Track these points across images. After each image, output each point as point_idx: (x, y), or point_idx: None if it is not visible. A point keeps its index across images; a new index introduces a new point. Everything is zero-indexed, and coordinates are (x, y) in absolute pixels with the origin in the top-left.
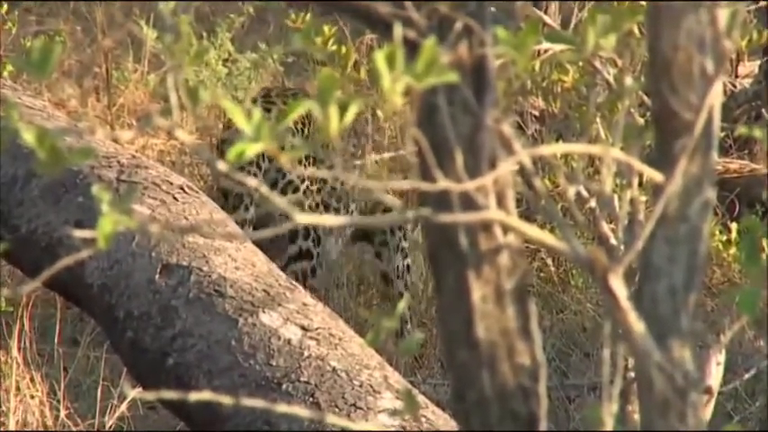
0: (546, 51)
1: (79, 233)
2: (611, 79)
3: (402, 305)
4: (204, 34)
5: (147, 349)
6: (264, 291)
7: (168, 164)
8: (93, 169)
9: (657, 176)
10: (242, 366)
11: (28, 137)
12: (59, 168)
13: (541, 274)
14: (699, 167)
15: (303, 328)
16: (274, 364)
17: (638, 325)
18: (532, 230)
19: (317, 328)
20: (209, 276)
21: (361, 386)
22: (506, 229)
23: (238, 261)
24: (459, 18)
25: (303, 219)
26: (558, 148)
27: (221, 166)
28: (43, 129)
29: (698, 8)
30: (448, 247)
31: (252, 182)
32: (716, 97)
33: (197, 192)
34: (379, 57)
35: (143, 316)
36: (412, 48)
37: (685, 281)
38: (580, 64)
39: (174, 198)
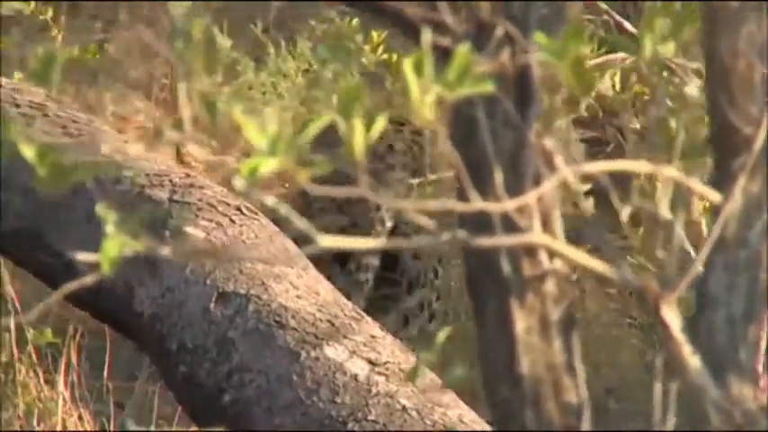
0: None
1: (83, 257)
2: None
3: (442, 336)
4: (283, 42)
5: (201, 384)
6: (329, 321)
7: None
8: (144, 188)
9: (715, 197)
10: (304, 404)
11: (27, 152)
12: (63, 185)
13: None
14: (760, 187)
15: (371, 362)
16: (339, 401)
17: (692, 359)
18: (580, 256)
19: (385, 363)
20: (269, 306)
21: (433, 426)
22: (552, 253)
23: (300, 289)
24: (500, 23)
25: (327, 242)
26: (605, 166)
27: (238, 183)
28: (46, 144)
29: (761, 10)
30: (488, 273)
31: (270, 200)
32: None
33: (256, 213)
34: (407, 64)
35: (197, 348)
36: (446, 56)
37: (745, 311)
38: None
39: (231, 220)
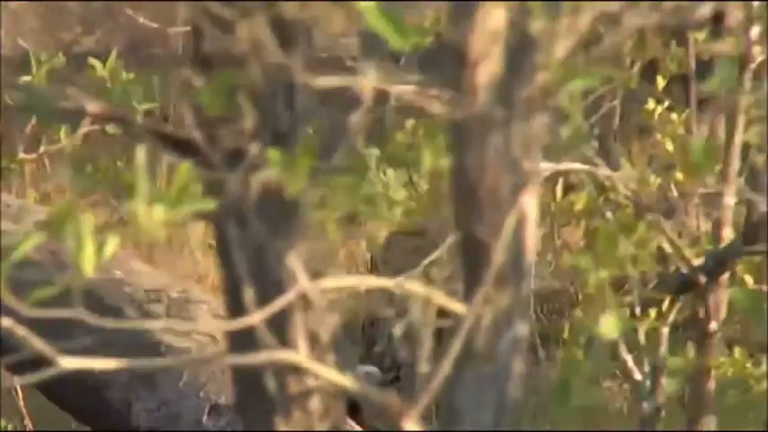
0: None
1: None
2: None
3: None
4: None
5: None
6: None
7: None
8: (141, 306)
9: (460, 309)
10: None
11: None
12: None
13: None
14: (508, 300)
15: None
16: None
17: None
18: (325, 371)
19: None
20: None
21: None
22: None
23: None
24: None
25: (68, 363)
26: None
27: None
28: None
29: (508, 123)
30: (255, 391)
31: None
32: (526, 223)
33: None
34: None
35: None
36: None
37: (493, 425)
38: None
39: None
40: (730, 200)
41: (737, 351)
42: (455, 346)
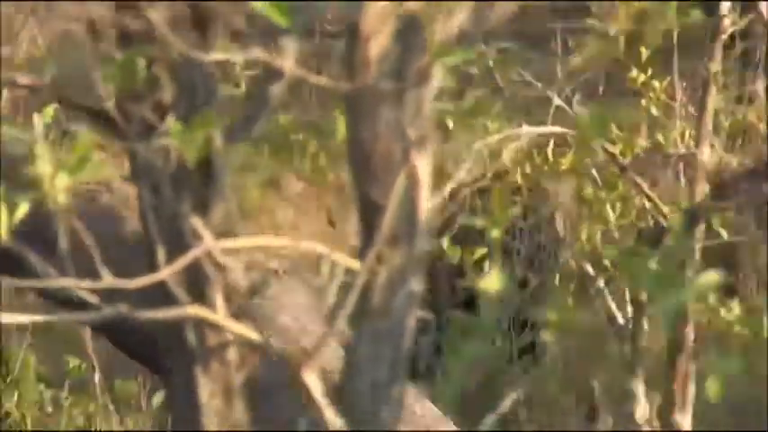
0: None
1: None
2: None
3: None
4: None
5: None
6: None
7: None
8: None
9: (355, 265)
10: None
11: None
12: None
13: None
14: (403, 259)
15: None
16: None
17: (335, 419)
18: (232, 325)
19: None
20: None
21: None
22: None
23: None
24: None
25: None
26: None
27: None
28: None
29: (399, 97)
30: (176, 343)
31: None
32: (418, 186)
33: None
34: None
35: None
36: None
37: (389, 377)
38: None
39: None
40: (704, 159)
41: (711, 297)
42: (350, 303)
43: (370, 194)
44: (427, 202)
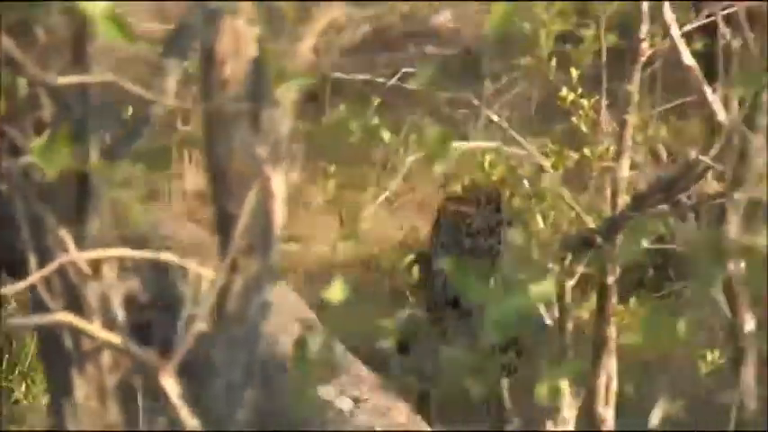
0: None
1: None
2: None
3: None
4: None
5: None
6: None
7: None
8: None
9: (208, 274)
10: None
11: None
12: None
13: None
14: (258, 267)
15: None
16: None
17: (191, 420)
18: (97, 331)
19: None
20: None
21: None
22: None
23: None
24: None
25: None
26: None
27: None
28: None
29: (253, 118)
30: (55, 347)
31: None
32: (273, 200)
33: None
34: None
35: None
36: None
37: (243, 380)
38: None
39: None
40: (624, 172)
41: (632, 301)
42: (204, 310)
43: (227, 207)
44: (282, 216)
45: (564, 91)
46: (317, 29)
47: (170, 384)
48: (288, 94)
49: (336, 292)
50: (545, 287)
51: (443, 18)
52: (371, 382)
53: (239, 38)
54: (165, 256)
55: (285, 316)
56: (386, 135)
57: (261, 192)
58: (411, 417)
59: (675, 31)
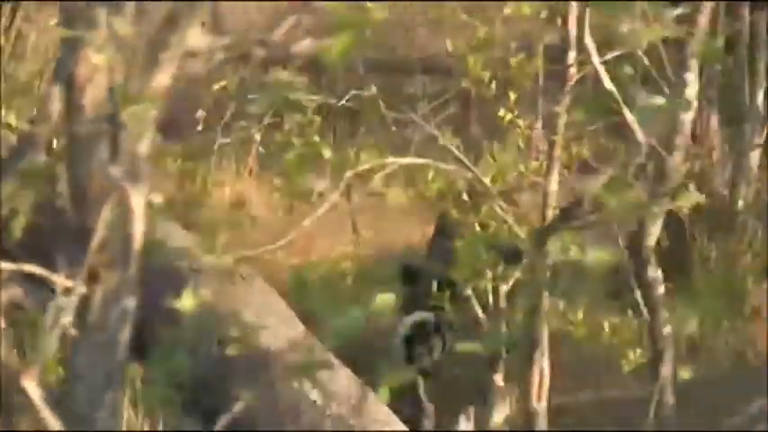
0: None
1: None
2: None
3: None
4: None
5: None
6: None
7: None
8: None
9: (69, 284)
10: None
11: None
12: None
13: None
14: (117, 280)
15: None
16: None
17: (53, 421)
18: None
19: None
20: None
21: None
22: None
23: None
24: None
25: None
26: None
27: None
28: None
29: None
30: None
31: None
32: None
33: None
34: None
35: None
36: None
37: (104, 383)
38: None
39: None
40: (553, 187)
41: (561, 304)
42: (66, 319)
43: (86, 222)
44: (140, 231)
45: (502, 111)
46: (174, 56)
47: (32, 388)
48: (146, 115)
49: (187, 301)
50: (386, 300)
51: (304, 47)
52: (347, 375)
53: (96, 66)
54: (30, 267)
55: (270, 317)
56: (326, 152)
57: (120, 208)
58: (384, 411)
59: (596, 59)
